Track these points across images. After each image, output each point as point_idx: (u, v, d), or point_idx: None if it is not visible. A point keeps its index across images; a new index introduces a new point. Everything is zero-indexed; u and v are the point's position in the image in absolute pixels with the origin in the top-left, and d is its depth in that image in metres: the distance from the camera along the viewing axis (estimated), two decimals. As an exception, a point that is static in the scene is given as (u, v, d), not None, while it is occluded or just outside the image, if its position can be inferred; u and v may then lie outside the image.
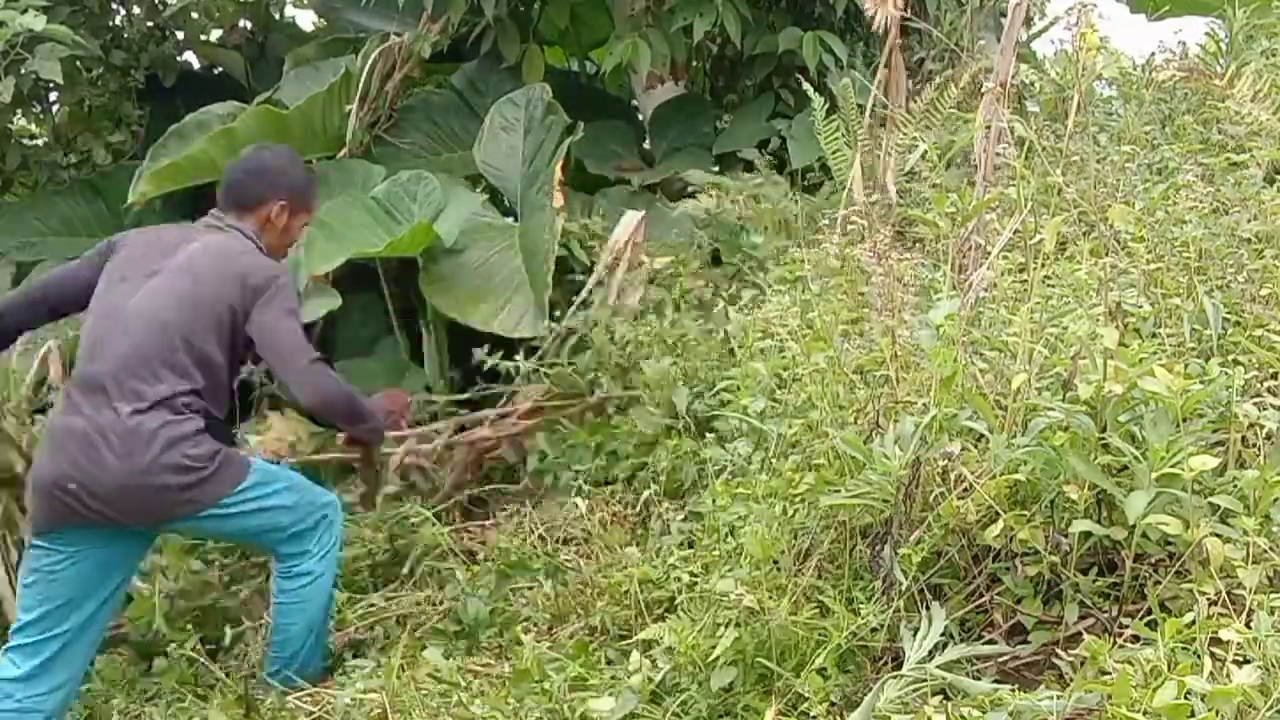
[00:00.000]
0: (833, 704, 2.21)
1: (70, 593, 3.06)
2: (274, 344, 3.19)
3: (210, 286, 3.19)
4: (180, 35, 6.39)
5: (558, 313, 4.44)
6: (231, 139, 5.22)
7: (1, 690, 3.02)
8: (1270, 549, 2.01)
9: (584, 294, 4.40)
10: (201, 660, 3.32)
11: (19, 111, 6.28)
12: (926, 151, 3.97)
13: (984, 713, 1.94)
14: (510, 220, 5.14)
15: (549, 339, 4.37)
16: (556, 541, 3.64)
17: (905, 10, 4.12)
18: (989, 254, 2.80)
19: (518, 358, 4.16)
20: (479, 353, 4.12)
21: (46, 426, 3.29)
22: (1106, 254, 2.77)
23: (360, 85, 5.40)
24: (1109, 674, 1.88)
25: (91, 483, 3.01)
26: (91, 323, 3.23)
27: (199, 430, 3.09)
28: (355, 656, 3.29)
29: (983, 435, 2.28)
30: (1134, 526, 2.05)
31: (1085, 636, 2.05)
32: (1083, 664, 1.99)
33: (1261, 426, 2.22)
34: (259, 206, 3.39)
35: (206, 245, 3.29)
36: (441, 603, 3.51)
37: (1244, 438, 2.21)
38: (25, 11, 5.08)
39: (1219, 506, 2.06)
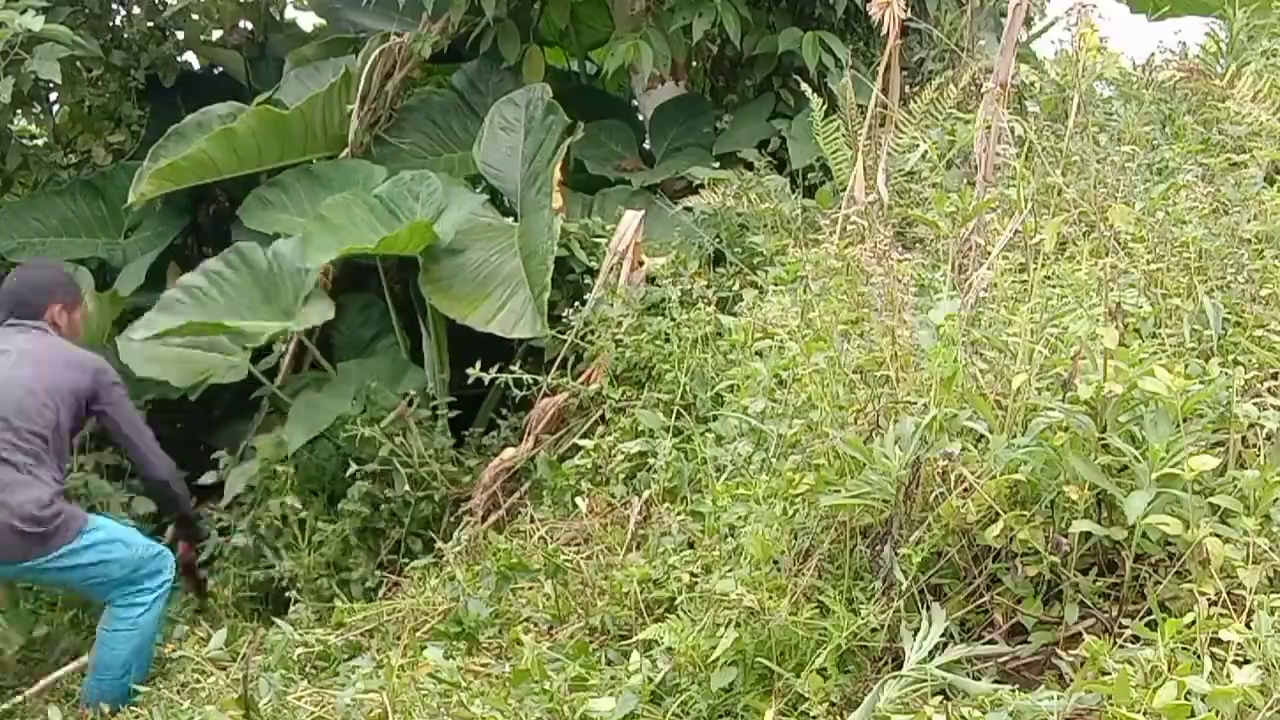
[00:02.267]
0: (833, 704, 2.21)
1: None
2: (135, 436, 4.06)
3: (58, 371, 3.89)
4: (180, 35, 6.38)
5: (558, 312, 4.44)
6: (231, 139, 5.22)
7: None
8: (1270, 549, 2.01)
9: (591, 299, 4.39)
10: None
11: (19, 111, 6.27)
12: (926, 151, 3.97)
13: (984, 713, 1.95)
14: (510, 220, 5.14)
15: (560, 345, 4.38)
16: (558, 542, 3.64)
17: (905, 10, 4.12)
18: (989, 254, 2.80)
19: (514, 366, 4.14)
20: (471, 371, 4.11)
21: None
22: (1106, 254, 2.77)
23: (360, 85, 5.40)
24: (1109, 674, 1.88)
25: None
26: None
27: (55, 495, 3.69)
28: (355, 656, 3.30)
29: (983, 435, 2.28)
30: (1134, 526, 2.06)
31: (1085, 637, 2.05)
32: (1083, 664, 1.99)
33: (1261, 426, 2.22)
34: (45, 313, 4.05)
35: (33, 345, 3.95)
36: (441, 604, 3.51)
37: (1244, 438, 2.21)
38: (25, 11, 5.07)
39: (1219, 506, 2.06)
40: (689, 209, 4.79)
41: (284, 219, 5.34)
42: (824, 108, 4.51)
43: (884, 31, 4.13)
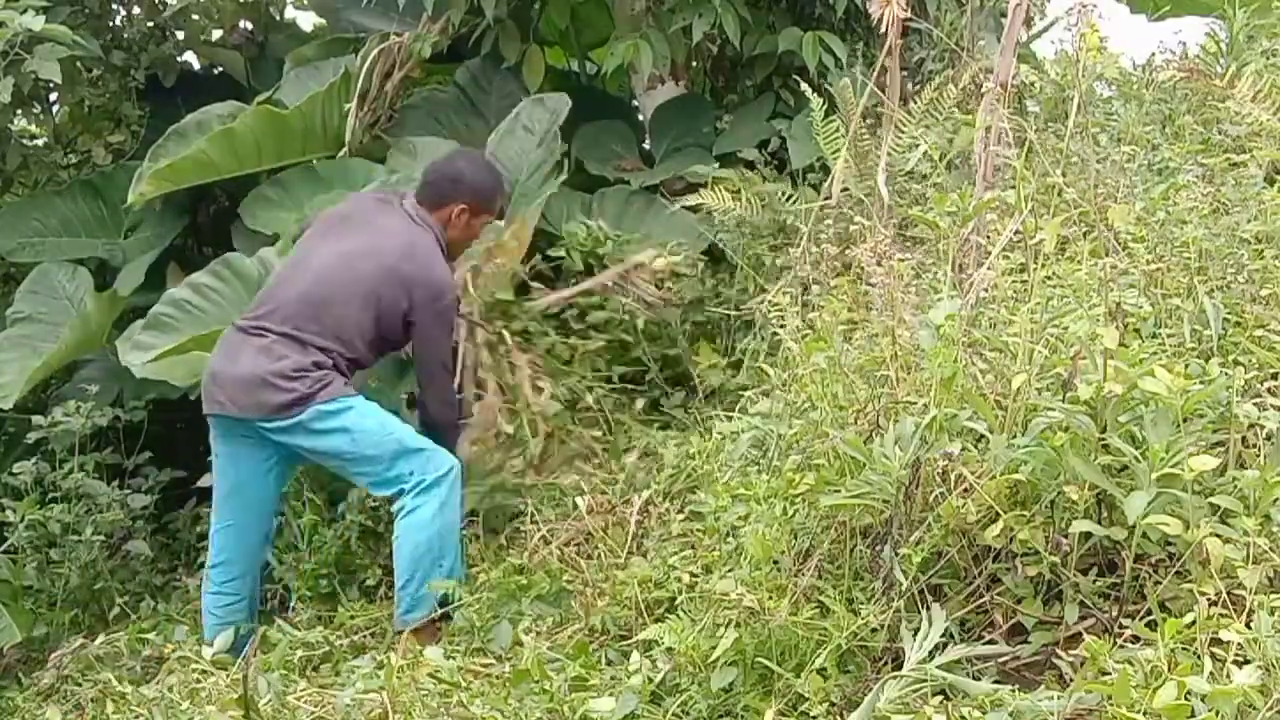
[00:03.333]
0: (833, 704, 2.21)
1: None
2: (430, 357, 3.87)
3: (382, 275, 3.75)
4: (180, 35, 6.37)
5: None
6: (231, 139, 5.21)
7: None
8: (1270, 549, 2.01)
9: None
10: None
11: (19, 111, 6.26)
12: (927, 151, 3.97)
13: (984, 713, 1.95)
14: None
15: None
16: (561, 545, 3.64)
17: (905, 10, 4.11)
18: (989, 254, 2.80)
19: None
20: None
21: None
22: (1107, 254, 2.77)
23: (360, 85, 5.40)
24: (1109, 674, 1.89)
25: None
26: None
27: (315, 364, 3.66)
28: (355, 656, 3.30)
29: (983, 435, 2.28)
30: (1134, 527, 2.06)
31: (1085, 637, 2.05)
32: (1083, 664, 1.99)
33: (1261, 427, 2.22)
34: (442, 208, 3.92)
35: (398, 232, 3.84)
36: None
37: (1244, 438, 2.21)
38: (25, 11, 5.07)
39: (1219, 507, 2.07)
40: (691, 208, 4.79)
41: (284, 218, 5.32)
42: (824, 108, 4.51)
43: (884, 31, 4.12)
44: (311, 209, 5.04)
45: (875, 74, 4.09)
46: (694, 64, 5.77)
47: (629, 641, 2.77)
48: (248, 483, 3.76)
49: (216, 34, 6.54)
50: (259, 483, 3.77)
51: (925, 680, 2.09)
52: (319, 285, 3.74)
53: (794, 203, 4.57)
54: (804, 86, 4.61)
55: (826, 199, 4.06)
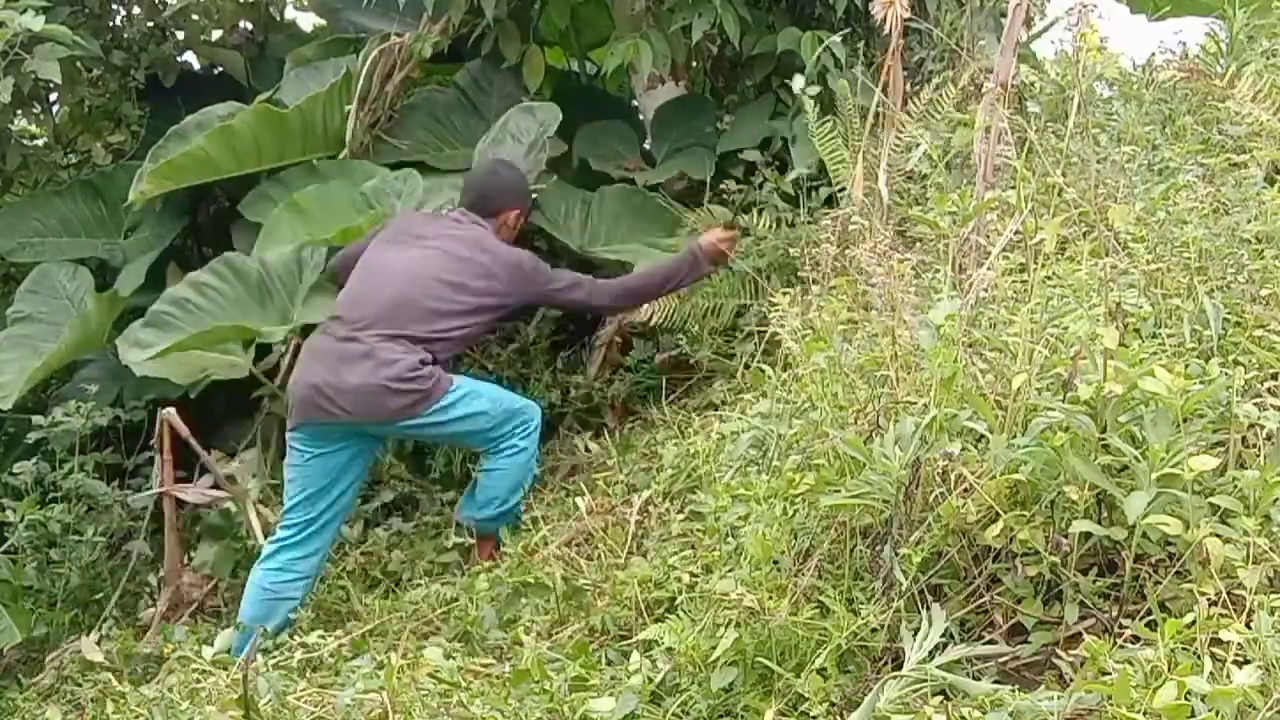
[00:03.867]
0: (833, 704, 2.21)
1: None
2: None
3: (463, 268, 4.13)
4: (180, 35, 6.37)
5: None
6: (230, 137, 5.21)
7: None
8: (1270, 549, 2.01)
9: None
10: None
11: (19, 111, 6.27)
12: (926, 151, 3.97)
13: (984, 713, 1.95)
14: None
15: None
16: (558, 541, 3.64)
17: (905, 10, 4.11)
18: (989, 254, 2.80)
19: None
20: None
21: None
22: (1107, 254, 2.77)
23: (360, 85, 5.40)
24: (1109, 674, 1.89)
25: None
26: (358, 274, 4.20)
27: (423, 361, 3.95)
28: (355, 657, 3.30)
29: (983, 435, 2.28)
30: (1134, 527, 2.06)
31: (1085, 637, 2.05)
32: (1083, 664, 1.99)
33: (1261, 427, 2.22)
34: (496, 215, 4.34)
35: (462, 234, 4.23)
36: (441, 606, 3.52)
37: (1244, 438, 2.21)
38: (25, 11, 5.07)
39: (1219, 507, 2.06)
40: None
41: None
42: (819, 108, 4.51)
43: (885, 31, 4.12)
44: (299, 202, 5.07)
45: (879, 74, 4.09)
46: (694, 64, 5.77)
47: (629, 641, 2.77)
48: (338, 481, 4.04)
49: (216, 34, 6.54)
50: (349, 481, 4.09)
51: (925, 680, 2.09)
52: (409, 286, 4.03)
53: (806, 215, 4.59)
54: (804, 87, 4.61)
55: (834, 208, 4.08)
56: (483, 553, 4.03)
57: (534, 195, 4.62)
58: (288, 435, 4.08)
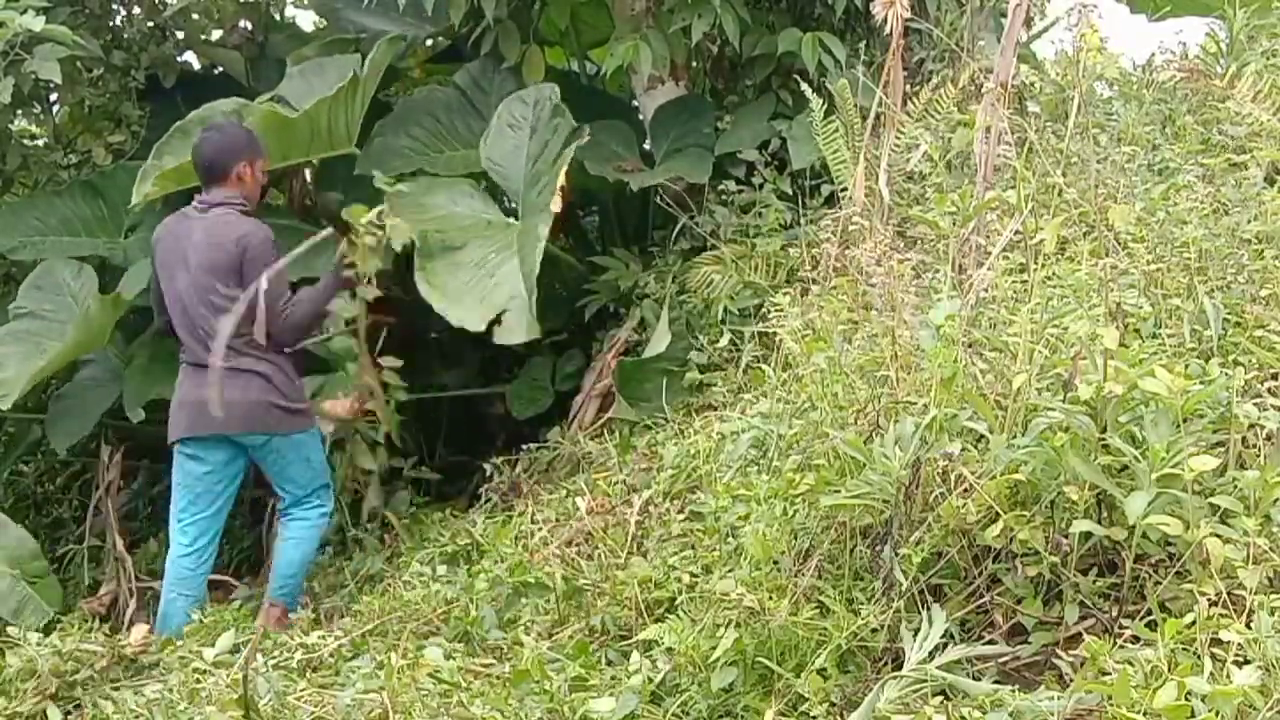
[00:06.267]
0: (833, 704, 2.21)
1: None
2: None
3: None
4: (180, 35, 6.36)
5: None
6: (236, 139, 5.20)
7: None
8: (1270, 549, 2.01)
9: None
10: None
11: (19, 111, 6.26)
12: (927, 151, 3.97)
13: (984, 713, 1.95)
14: (511, 220, 5.13)
15: None
16: (559, 541, 3.64)
17: (905, 10, 4.11)
18: (989, 254, 2.80)
19: None
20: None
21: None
22: (1107, 254, 2.77)
23: (363, 87, 5.40)
24: (1109, 674, 1.89)
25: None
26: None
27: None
28: (355, 657, 3.30)
29: (983, 435, 2.28)
30: (1134, 527, 2.06)
31: (1085, 637, 2.05)
32: (1083, 664, 1.99)
33: (1261, 427, 2.22)
34: (229, 176, 4.36)
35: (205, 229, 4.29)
36: (441, 606, 3.51)
37: (1244, 438, 2.21)
38: (25, 11, 5.06)
39: (1219, 507, 2.07)
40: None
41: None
42: (823, 108, 4.51)
43: (885, 31, 4.12)
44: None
45: (880, 75, 4.09)
46: (694, 64, 5.76)
47: (629, 641, 2.77)
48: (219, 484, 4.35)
49: (216, 34, 6.53)
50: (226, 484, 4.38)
51: (925, 680, 2.09)
52: (204, 303, 4.21)
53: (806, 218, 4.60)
54: (804, 87, 4.61)
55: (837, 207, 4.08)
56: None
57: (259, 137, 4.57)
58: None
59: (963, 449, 2.25)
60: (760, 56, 5.35)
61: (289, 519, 4.38)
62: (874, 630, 2.25)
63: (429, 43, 6.30)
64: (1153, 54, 4.65)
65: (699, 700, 2.37)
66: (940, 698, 2.07)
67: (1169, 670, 1.84)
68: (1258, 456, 2.20)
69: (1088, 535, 2.12)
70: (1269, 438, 2.24)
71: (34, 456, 6.62)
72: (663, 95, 5.63)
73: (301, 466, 4.33)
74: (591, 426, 4.77)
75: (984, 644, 2.19)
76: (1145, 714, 1.78)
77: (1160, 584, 2.10)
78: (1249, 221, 2.94)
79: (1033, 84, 4.57)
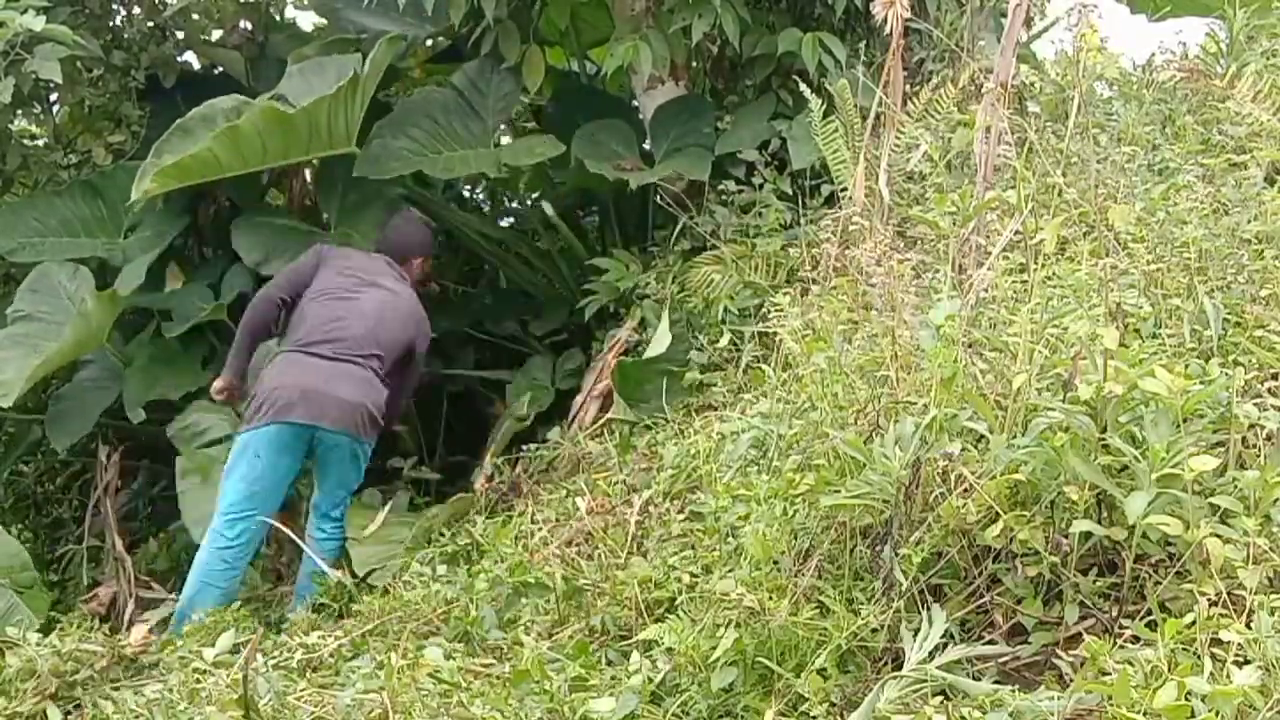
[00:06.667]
0: (833, 704, 2.21)
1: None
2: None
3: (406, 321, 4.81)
4: (180, 35, 6.36)
5: None
6: (236, 138, 5.20)
7: None
8: (1270, 549, 2.01)
9: None
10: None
11: (19, 111, 6.26)
12: (926, 151, 3.97)
13: (984, 713, 1.95)
14: None
15: None
16: (559, 541, 3.64)
17: (905, 10, 4.11)
18: (989, 254, 2.80)
19: None
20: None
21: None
22: (1107, 254, 2.77)
23: (363, 86, 5.39)
24: (1109, 674, 1.89)
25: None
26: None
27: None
28: (355, 657, 3.30)
29: (983, 436, 2.28)
30: (1134, 527, 2.06)
31: (1085, 637, 2.05)
32: (1083, 664, 1.99)
33: (1262, 427, 2.22)
34: (408, 263, 5.02)
35: (401, 289, 4.86)
36: (441, 606, 3.51)
37: (1244, 438, 2.21)
38: (25, 11, 5.06)
39: (1219, 507, 2.07)
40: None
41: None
42: (823, 108, 4.51)
43: (886, 31, 4.12)
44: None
45: (880, 75, 4.09)
46: (694, 64, 5.76)
47: (629, 641, 2.77)
48: (284, 479, 4.49)
49: (216, 34, 6.52)
50: (287, 482, 4.53)
51: (925, 680, 2.09)
52: (380, 328, 4.65)
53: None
54: (803, 87, 4.61)
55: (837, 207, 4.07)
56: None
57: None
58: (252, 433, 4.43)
59: (963, 449, 2.25)
60: (760, 57, 5.35)
61: (330, 522, 4.59)
62: (874, 630, 2.25)
63: (429, 43, 6.30)
64: (1153, 54, 4.65)
65: (699, 700, 2.37)
66: (940, 698, 2.07)
67: (1169, 670, 1.84)
68: (1258, 456, 2.20)
69: (1088, 535, 2.12)
70: (1269, 438, 2.24)
71: (34, 456, 6.62)
72: (663, 95, 5.63)
73: (358, 474, 4.62)
74: (592, 427, 4.76)
75: (984, 644, 2.19)
76: (1145, 714, 1.78)
77: (1160, 584, 2.10)
78: (1249, 221, 2.94)
79: (1033, 84, 4.57)
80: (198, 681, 3.16)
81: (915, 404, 2.46)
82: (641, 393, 4.67)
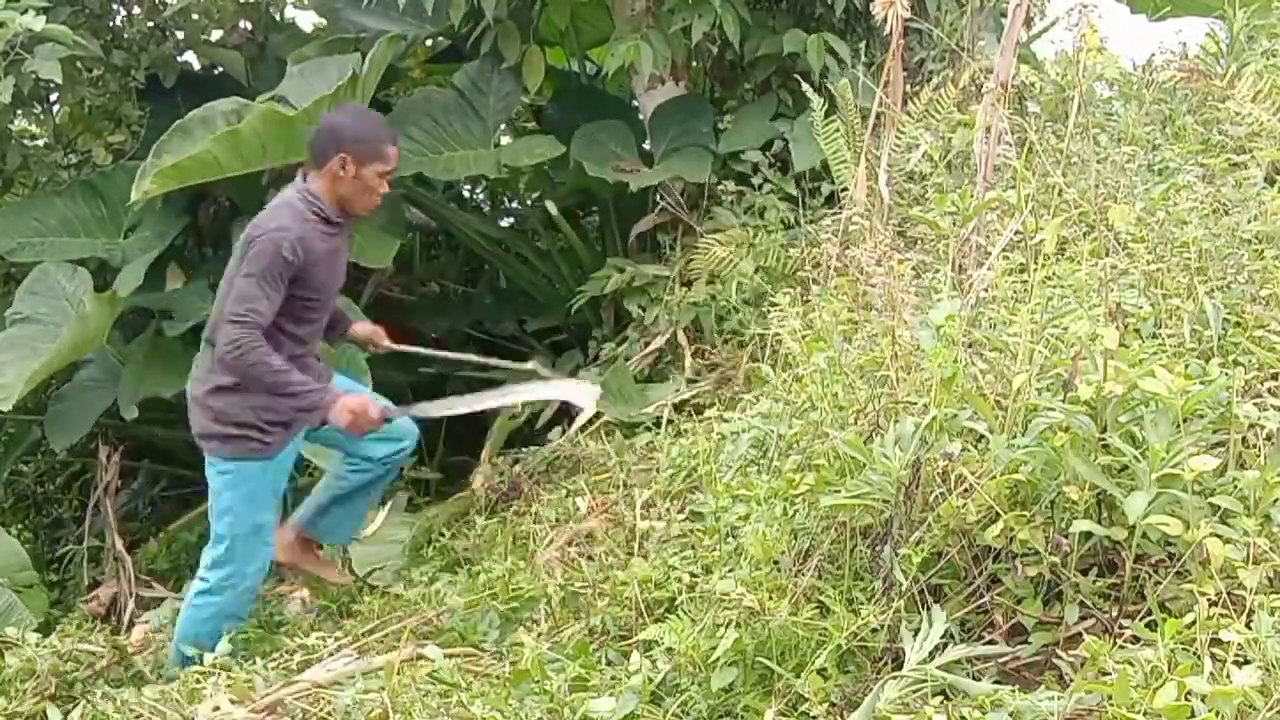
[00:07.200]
0: (833, 704, 2.21)
1: None
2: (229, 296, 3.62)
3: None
4: (180, 35, 6.37)
5: None
6: (236, 140, 5.21)
7: None
8: (1270, 550, 2.01)
9: None
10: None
11: (19, 111, 6.26)
12: (927, 151, 3.97)
13: (984, 713, 1.95)
14: None
15: None
16: (563, 544, 3.64)
17: (906, 10, 4.11)
18: (989, 254, 2.80)
19: None
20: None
21: None
22: (1107, 254, 2.77)
23: (363, 87, 5.40)
24: (1109, 674, 1.89)
25: None
26: None
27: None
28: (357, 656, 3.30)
29: (983, 435, 2.28)
30: (1134, 527, 2.06)
31: (1085, 637, 2.05)
32: (1083, 664, 1.99)
33: (1262, 427, 2.22)
34: (325, 165, 3.70)
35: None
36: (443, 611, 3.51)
37: (1244, 438, 2.21)
38: (25, 11, 5.07)
39: (1219, 507, 2.06)
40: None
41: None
42: (824, 108, 4.51)
43: (886, 31, 4.12)
44: None
45: (881, 75, 4.09)
46: (694, 64, 5.76)
47: (629, 641, 2.77)
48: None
49: (216, 34, 6.53)
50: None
51: (925, 680, 2.09)
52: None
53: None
54: (804, 87, 4.61)
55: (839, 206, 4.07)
56: None
57: (391, 145, 3.80)
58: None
59: (963, 449, 2.25)
60: (762, 57, 5.36)
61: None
62: (874, 630, 2.25)
63: (429, 43, 6.31)
64: (1153, 54, 4.65)
65: (699, 700, 2.37)
66: (940, 698, 2.07)
67: (1169, 670, 1.84)
68: (1258, 456, 2.20)
69: (1088, 535, 2.12)
70: (1269, 438, 2.24)
71: (34, 456, 6.63)
72: (663, 95, 5.64)
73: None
74: (592, 427, 4.76)
75: (984, 644, 2.19)
76: (1145, 714, 1.78)
77: (1160, 584, 2.10)
78: (1249, 221, 2.94)
79: (1033, 84, 4.57)
80: (198, 682, 3.16)
81: (915, 404, 2.46)
82: (634, 392, 4.69)
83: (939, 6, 5.12)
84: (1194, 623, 1.92)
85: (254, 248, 3.57)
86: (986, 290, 2.68)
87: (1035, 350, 2.33)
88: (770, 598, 2.34)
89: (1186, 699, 1.77)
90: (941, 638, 2.14)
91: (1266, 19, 4.64)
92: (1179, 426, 2.10)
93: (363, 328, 4.25)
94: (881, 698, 2.08)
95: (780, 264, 4.52)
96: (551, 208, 5.84)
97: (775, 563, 2.47)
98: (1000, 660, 2.18)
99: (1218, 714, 1.76)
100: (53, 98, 6.39)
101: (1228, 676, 1.82)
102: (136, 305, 5.71)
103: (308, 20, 6.98)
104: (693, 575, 2.76)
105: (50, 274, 5.63)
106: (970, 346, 2.50)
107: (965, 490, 2.22)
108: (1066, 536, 2.14)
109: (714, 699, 2.35)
